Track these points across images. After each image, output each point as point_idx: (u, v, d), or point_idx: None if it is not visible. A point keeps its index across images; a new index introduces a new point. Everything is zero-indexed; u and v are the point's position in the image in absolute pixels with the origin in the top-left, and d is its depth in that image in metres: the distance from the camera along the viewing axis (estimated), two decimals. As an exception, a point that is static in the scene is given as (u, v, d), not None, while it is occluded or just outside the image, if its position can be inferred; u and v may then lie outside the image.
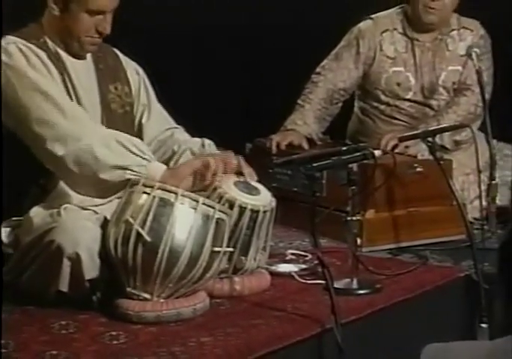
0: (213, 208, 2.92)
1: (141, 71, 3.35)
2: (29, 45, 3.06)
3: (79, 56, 3.16)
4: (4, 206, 3.04)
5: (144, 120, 3.32)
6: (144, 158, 2.98)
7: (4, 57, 3.02)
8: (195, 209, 2.89)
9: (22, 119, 3.00)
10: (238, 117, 4.88)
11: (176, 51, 4.76)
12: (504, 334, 1.91)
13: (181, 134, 3.35)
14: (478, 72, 3.86)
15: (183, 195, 2.89)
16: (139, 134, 3.27)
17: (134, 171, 2.94)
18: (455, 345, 1.95)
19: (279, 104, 4.31)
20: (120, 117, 3.24)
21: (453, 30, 4.26)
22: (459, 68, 4.23)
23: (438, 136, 3.79)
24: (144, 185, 2.90)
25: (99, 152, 2.94)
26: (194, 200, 2.90)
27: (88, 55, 3.20)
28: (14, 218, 3.07)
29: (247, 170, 3.16)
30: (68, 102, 3.04)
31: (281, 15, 5.02)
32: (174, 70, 4.62)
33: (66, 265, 2.88)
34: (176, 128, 3.37)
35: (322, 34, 4.44)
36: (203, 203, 2.90)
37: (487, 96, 4.03)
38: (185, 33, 4.80)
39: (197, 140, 3.31)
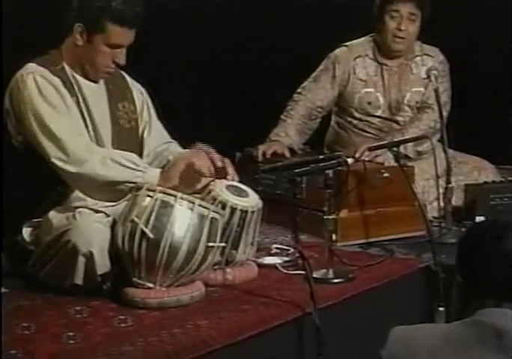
0: (208, 209, 2.91)
1: (144, 92, 3.33)
2: (45, 74, 3.01)
3: (94, 80, 3.13)
4: (26, 208, 3.04)
5: (145, 135, 3.29)
6: (138, 170, 2.96)
7: (21, 87, 2.99)
8: (192, 209, 2.87)
9: (35, 141, 2.98)
10: (229, 128, 4.83)
11: (166, 63, 4.70)
12: (460, 317, 1.90)
13: (175, 147, 3.32)
14: (436, 91, 3.87)
15: (181, 198, 2.87)
16: (141, 146, 3.26)
17: (132, 183, 2.93)
18: (417, 328, 1.95)
19: (267, 118, 4.28)
20: (127, 131, 3.21)
21: (416, 56, 4.26)
22: (422, 89, 4.22)
23: (402, 147, 3.80)
24: (148, 189, 2.89)
25: (100, 172, 2.92)
26: (191, 202, 2.88)
27: None
28: (35, 220, 3.04)
29: (231, 169, 3.11)
30: (66, 131, 2.97)
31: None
32: (167, 81, 4.55)
33: (81, 262, 2.86)
34: (171, 142, 3.34)
35: (309, 56, 4.40)
36: (199, 205, 2.89)
37: (445, 114, 4.04)
38: (173, 43, 4.70)
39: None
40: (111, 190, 2.95)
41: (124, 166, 2.95)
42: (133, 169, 2.95)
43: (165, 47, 4.59)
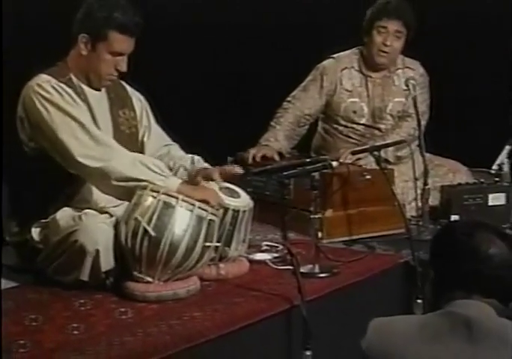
0: (206, 211, 2.89)
1: (143, 99, 3.32)
2: (60, 84, 3.01)
3: (97, 88, 3.12)
4: (35, 209, 3.02)
5: (145, 139, 3.28)
6: (162, 175, 2.94)
7: (44, 93, 2.97)
8: (192, 211, 2.87)
9: (55, 141, 2.95)
10: (222, 133, 4.80)
11: (164, 70, 4.64)
12: (433, 309, 1.91)
13: (176, 150, 3.31)
14: (414, 99, 3.87)
15: (182, 200, 2.86)
16: (142, 150, 3.24)
17: (154, 184, 2.90)
18: (394, 319, 1.95)
19: (258, 124, 4.27)
20: (127, 136, 3.19)
21: (398, 69, 4.24)
22: (403, 99, 4.21)
23: (383, 152, 3.80)
24: (151, 190, 2.88)
25: (126, 169, 2.89)
26: (191, 204, 2.87)
27: None
28: (43, 220, 3.03)
29: (237, 169, 3.18)
30: (97, 130, 2.98)
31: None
32: (165, 88, 4.50)
33: (88, 260, 2.85)
34: (171, 144, 3.33)
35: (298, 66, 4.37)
36: (199, 207, 2.88)
37: (424, 122, 4.03)
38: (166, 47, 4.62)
39: (188, 157, 3.27)
40: (126, 184, 2.90)
41: (151, 170, 2.92)
42: (158, 173, 2.93)
43: (163, 55, 4.53)
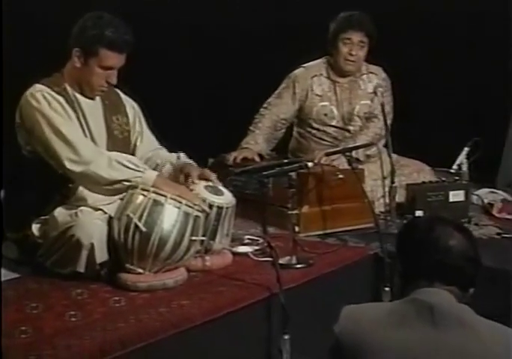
0: (192, 208, 2.91)
1: (136, 106, 3.32)
2: (51, 92, 3.01)
3: (91, 97, 3.12)
4: (35, 208, 3.03)
5: (138, 143, 3.29)
6: (138, 171, 2.96)
7: (33, 102, 2.99)
8: (179, 208, 2.88)
9: (46, 147, 2.98)
10: (206, 136, 4.80)
11: (155, 76, 4.62)
12: (400, 297, 1.93)
13: (164, 152, 3.33)
14: (382, 105, 3.91)
15: (170, 198, 2.88)
16: (133, 153, 3.25)
17: (131, 182, 2.93)
18: (365, 306, 1.97)
19: (239, 128, 4.28)
20: (121, 141, 3.20)
21: (363, 74, 4.28)
22: (369, 102, 4.25)
23: (354, 152, 3.81)
24: (142, 189, 2.90)
25: (105, 171, 2.92)
26: (179, 202, 2.89)
27: None
28: (42, 217, 3.03)
29: (213, 177, 3.17)
30: (76, 135, 2.98)
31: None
32: (156, 95, 4.46)
33: (84, 253, 2.86)
34: (160, 148, 3.34)
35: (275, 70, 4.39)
36: (185, 204, 2.89)
37: (389, 122, 4.04)
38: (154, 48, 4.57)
39: (174, 154, 3.29)
40: (112, 187, 2.94)
41: (127, 167, 2.95)
42: (134, 169, 2.95)
43: (152, 60, 4.51)
